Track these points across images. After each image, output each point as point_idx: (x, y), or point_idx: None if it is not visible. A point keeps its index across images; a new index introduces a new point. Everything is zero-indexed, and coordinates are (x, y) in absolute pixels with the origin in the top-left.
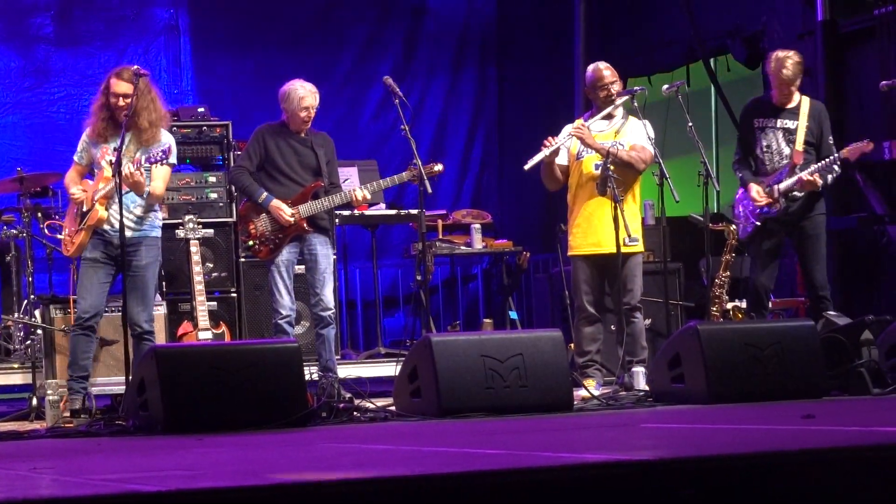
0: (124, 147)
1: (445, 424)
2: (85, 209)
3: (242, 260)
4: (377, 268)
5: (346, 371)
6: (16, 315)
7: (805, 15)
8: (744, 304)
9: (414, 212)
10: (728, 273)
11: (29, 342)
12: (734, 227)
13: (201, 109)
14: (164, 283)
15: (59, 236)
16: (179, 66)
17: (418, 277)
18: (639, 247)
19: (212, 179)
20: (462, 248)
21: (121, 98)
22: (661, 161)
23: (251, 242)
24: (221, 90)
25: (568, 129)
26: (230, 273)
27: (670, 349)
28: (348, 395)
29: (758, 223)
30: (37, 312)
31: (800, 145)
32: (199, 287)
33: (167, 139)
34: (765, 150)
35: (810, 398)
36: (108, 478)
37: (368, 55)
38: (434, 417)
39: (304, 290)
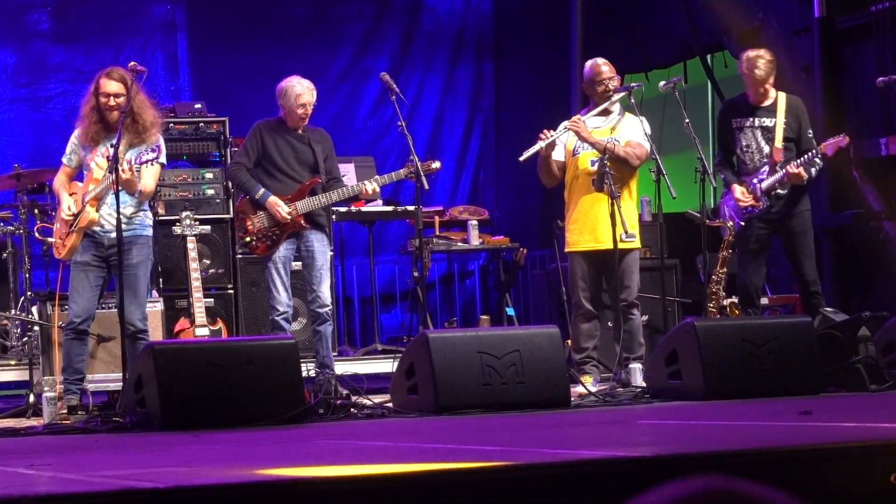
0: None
1: (442, 421)
2: (75, 211)
3: (239, 256)
4: (374, 264)
5: (343, 367)
6: (12, 312)
7: (802, 11)
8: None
9: (411, 208)
10: (725, 269)
11: (26, 339)
12: (730, 223)
13: (198, 106)
14: (160, 280)
15: (49, 240)
16: (176, 63)
17: (415, 274)
18: (636, 243)
19: (208, 176)
20: (459, 244)
21: (111, 98)
22: (657, 157)
23: (248, 239)
24: (218, 86)
25: (566, 123)
26: (227, 269)
27: (667, 345)
28: (345, 392)
29: (742, 223)
30: (34, 309)
31: (779, 143)
32: (195, 283)
33: (157, 138)
34: (744, 149)
35: (807, 394)
36: (106, 474)
37: (365, 51)
38: (431, 414)
39: (301, 287)
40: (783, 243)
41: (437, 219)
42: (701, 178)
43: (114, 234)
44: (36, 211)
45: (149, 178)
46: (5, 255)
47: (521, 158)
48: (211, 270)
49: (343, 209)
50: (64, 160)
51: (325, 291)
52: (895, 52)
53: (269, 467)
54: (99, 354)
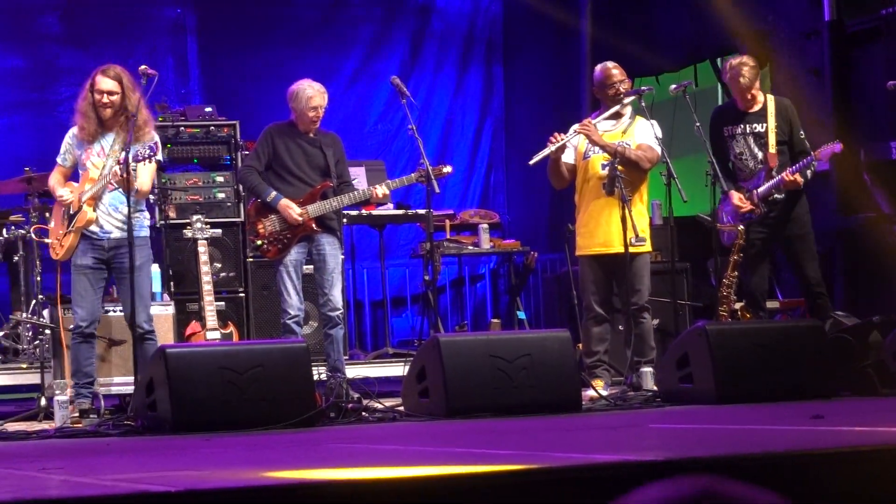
0: (109, 146)
1: (454, 424)
2: (72, 211)
3: (250, 260)
4: (385, 268)
5: (354, 371)
6: (24, 315)
7: (811, 14)
8: None
9: (422, 212)
10: (736, 273)
11: (37, 342)
12: (741, 227)
13: (208, 109)
14: (171, 283)
15: (46, 240)
16: (186, 66)
17: (426, 277)
18: (646, 247)
19: (219, 179)
20: (470, 248)
21: (105, 95)
22: (668, 161)
23: (259, 242)
24: (228, 90)
25: (576, 127)
26: (238, 273)
27: (678, 349)
28: (356, 396)
29: (736, 232)
30: (45, 312)
31: (772, 147)
32: (207, 287)
33: (152, 136)
34: (738, 156)
35: (818, 398)
36: (117, 478)
37: (375, 54)
38: (442, 417)
39: (312, 290)
40: (784, 247)
41: (447, 222)
42: (712, 181)
43: (113, 236)
44: (47, 214)
45: (145, 176)
46: (17, 258)
47: (532, 162)
48: (222, 274)
49: (354, 213)
50: (59, 160)
51: (336, 295)
52: None
53: (281, 471)
54: (110, 358)
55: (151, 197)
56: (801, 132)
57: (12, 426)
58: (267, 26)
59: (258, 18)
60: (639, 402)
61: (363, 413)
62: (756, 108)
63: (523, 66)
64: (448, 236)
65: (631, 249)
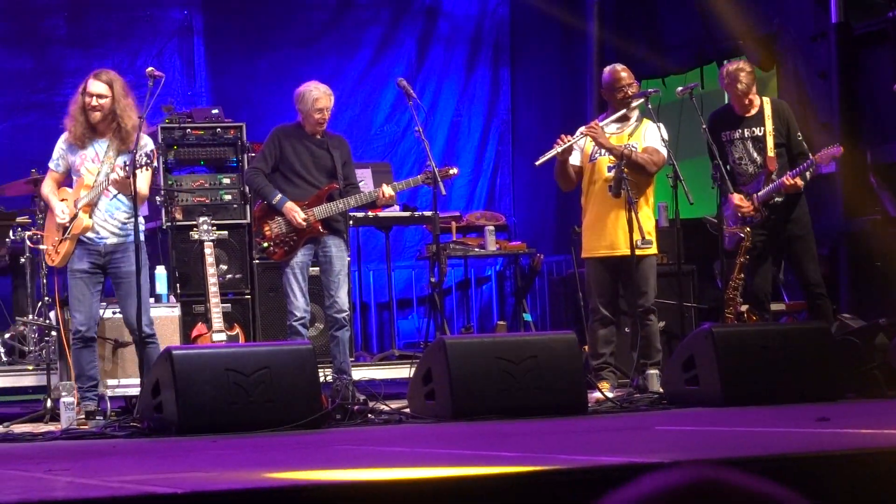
0: (103, 152)
1: (459, 426)
2: (68, 218)
3: (256, 262)
4: (391, 270)
5: (360, 373)
6: (30, 317)
7: (818, 17)
8: None
9: (428, 213)
10: (742, 275)
11: (43, 344)
12: (747, 229)
13: (215, 111)
14: (178, 285)
15: (41, 247)
16: (193, 68)
17: (432, 279)
18: (653, 249)
19: (226, 181)
20: (476, 249)
21: (94, 98)
22: (675, 163)
23: (266, 244)
24: (235, 92)
25: (583, 129)
26: (244, 275)
27: (684, 351)
28: (362, 398)
29: (742, 234)
30: (51, 314)
31: (771, 151)
32: (213, 289)
33: (147, 142)
34: (737, 161)
35: (824, 401)
36: (124, 479)
37: (382, 56)
38: (448, 419)
39: (318, 292)
40: (784, 248)
41: (454, 224)
42: (718, 183)
43: (110, 241)
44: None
45: (142, 183)
46: (23, 259)
47: (538, 162)
48: (228, 276)
49: (360, 214)
50: (51, 166)
51: (342, 297)
52: None
53: (287, 472)
54: (116, 360)
55: (158, 199)
56: (799, 133)
57: (18, 428)
58: (274, 28)
59: (265, 20)
60: (645, 404)
61: (369, 415)
62: (753, 111)
63: (530, 68)
64: (454, 238)
65: (637, 252)
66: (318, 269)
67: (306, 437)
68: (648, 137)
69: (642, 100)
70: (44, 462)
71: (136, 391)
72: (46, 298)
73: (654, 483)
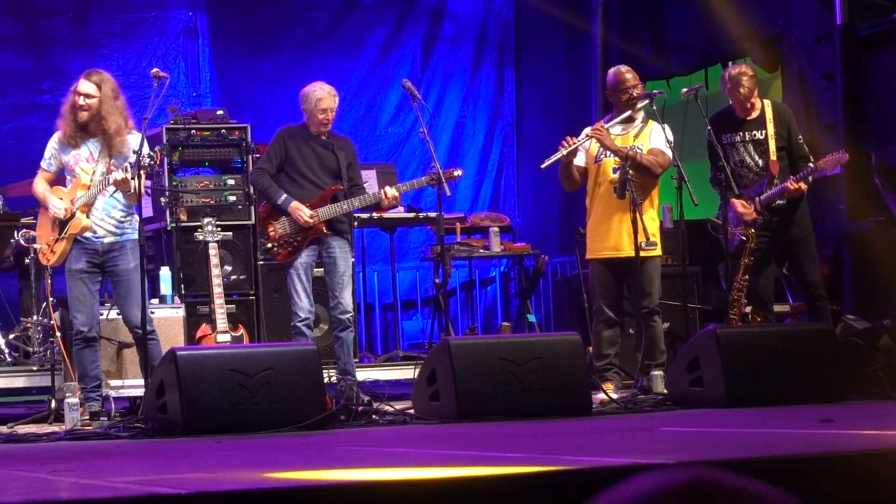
0: (98, 152)
1: (464, 428)
2: (64, 218)
3: (261, 262)
4: (395, 271)
5: (364, 374)
6: (35, 317)
7: (822, 18)
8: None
9: (432, 214)
10: (747, 277)
11: (47, 345)
12: (752, 230)
13: (220, 112)
14: (182, 286)
15: (35, 246)
16: (198, 69)
17: (437, 280)
18: (657, 250)
19: (230, 182)
20: (480, 251)
21: (82, 97)
22: (679, 165)
23: (270, 245)
24: (240, 93)
25: (588, 130)
26: (249, 275)
27: (689, 353)
28: (367, 398)
29: (744, 237)
30: (56, 315)
31: (773, 154)
32: (217, 290)
33: (132, 144)
34: (739, 164)
35: (828, 402)
36: (128, 480)
37: (386, 58)
38: (452, 420)
39: (322, 293)
40: (786, 250)
41: (458, 225)
42: (723, 185)
43: (107, 240)
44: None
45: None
46: (28, 260)
47: (544, 165)
48: (233, 276)
49: (364, 216)
50: (44, 165)
51: (346, 298)
52: None
53: (291, 473)
54: (120, 360)
55: (162, 200)
56: (800, 136)
57: (23, 428)
58: (279, 29)
59: (270, 21)
60: (649, 405)
61: (373, 416)
62: (754, 114)
63: (535, 69)
64: (459, 239)
65: (641, 253)
66: (322, 270)
67: (310, 437)
68: (653, 139)
69: (647, 101)
70: (48, 463)
71: (140, 392)
72: (51, 299)
73: (646, 483)
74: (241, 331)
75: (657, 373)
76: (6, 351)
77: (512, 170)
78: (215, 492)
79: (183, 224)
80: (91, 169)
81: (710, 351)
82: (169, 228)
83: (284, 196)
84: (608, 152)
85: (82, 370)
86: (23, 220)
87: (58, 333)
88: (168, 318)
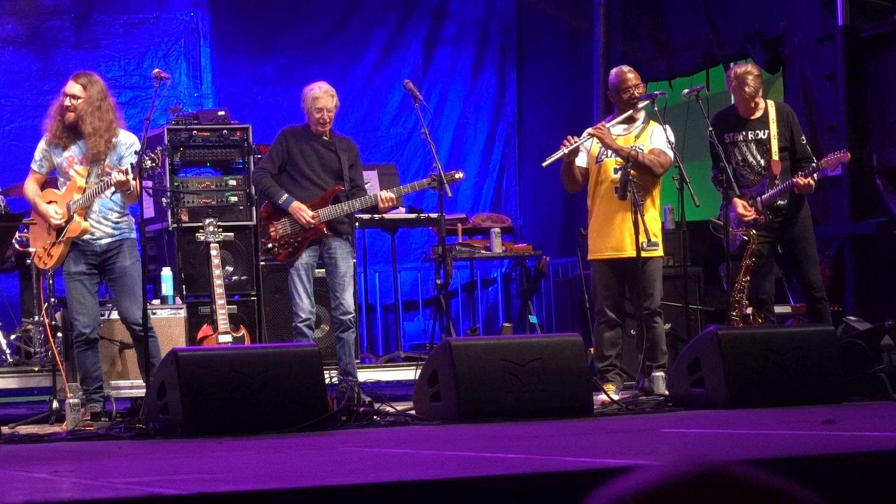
0: (79, 157)
1: (465, 428)
2: (62, 220)
3: (262, 263)
4: (397, 271)
5: (365, 375)
6: (36, 318)
7: (825, 19)
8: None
9: (434, 215)
10: (748, 278)
11: (49, 345)
12: (754, 231)
13: (221, 113)
14: (183, 287)
15: (30, 250)
16: (199, 70)
17: (438, 281)
18: (659, 251)
19: (232, 183)
20: (482, 251)
21: (68, 97)
22: (681, 165)
23: (271, 245)
24: (241, 94)
25: (590, 130)
26: (250, 276)
27: (690, 354)
28: (368, 399)
29: (745, 237)
30: (57, 315)
31: (775, 154)
32: (219, 290)
33: (134, 140)
34: (740, 163)
35: (830, 403)
36: (129, 481)
37: (388, 59)
38: (454, 421)
39: (324, 294)
40: (786, 251)
41: (459, 226)
42: (725, 186)
43: (104, 241)
44: None
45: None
46: (29, 261)
47: (545, 164)
48: (234, 277)
49: (366, 216)
50: (34, 167)
51: (348, 299)
52: None
53: (292, 475)
54: (122, 361)
55: (164, 200)
56: (803, 137)
57: (24, 429)
58: (280, 30)
59: (272, 22)
60: (650, 406)
61: (374, 417)
62: (758, 114)
63: (536, 70)
64: (460, 240)
65: (643, 254)
66: (324, 270)
67: (312, 438)
68: (655, 139)
69: (648, 102)
70: (49, 463)
71: (141, 392)
72: (53, 300)
73: (654, 474)
74: (243, 331)
75: (658, 374)
76: (7, 351)
77: (513, 170)
78: (216, 493)
79: (184, 225)
80: (85, 171)
81: (711, 352)
82: (170, 229)
83: (285, 196)
84: (609, 152)
85: (84, 371)
86: (25, 221)
87: (58, 334)
88: (169, 319)
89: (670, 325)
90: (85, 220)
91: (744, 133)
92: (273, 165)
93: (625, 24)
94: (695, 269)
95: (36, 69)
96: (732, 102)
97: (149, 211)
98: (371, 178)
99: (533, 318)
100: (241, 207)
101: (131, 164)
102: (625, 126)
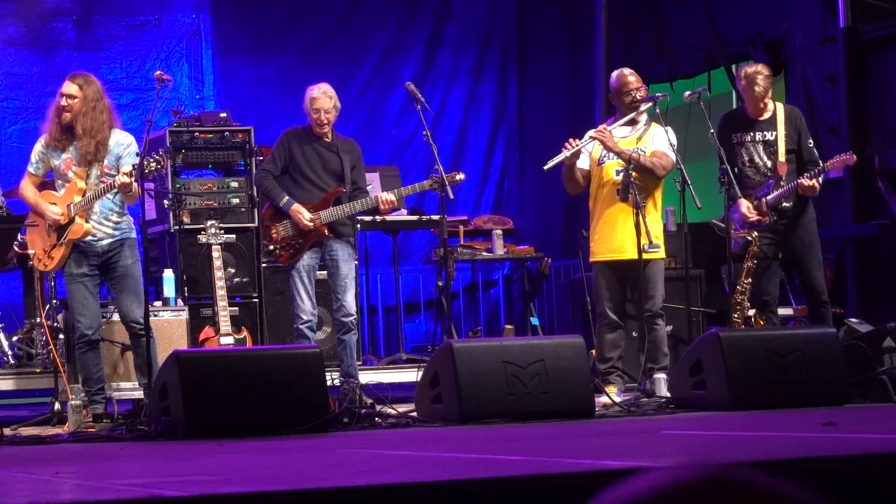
0: (76, 158)
1: (467, 430)
2: (62, 223)
3: (264, 265)
4: (398, 273)
5: (367, 377)
6: (38, 320)
7: (826, 21)
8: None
9: (435, 217)
10: (750, 280)
11: (50, 347)
12: (755, 233)
13: (223, 115)
14: (185, 289)
15: (30, 252)
16: (201, 72)
17: (440, 283)
18: (660, 253)
19: (234, 185)
20: (483, 253)
21: (65, 97)
22: (682, 167)
23: (272, 247)
24: (243, 96)
25: (591, 132)
26: (252, 278)
27: (692, 356)
28: (370, 401)
29: (748, 237)
30: (59, 317)
31: (782, 156)
32: (220, 292)
33: (131, 140)
34: (747, 164)
35: (832, 405)
36: (131, 482)
37: (390, 61)
38: (455, 423)
39: (326, 296)
40: (791, 254)
41: (461, 228)
42: (726, 188)
43: (105, 242)
44: None
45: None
46: (31, 262)
47: (546, 167)
48: (236, 279)
49: (368, 218)
50: (31, 169)
51: (349, 300)
52: None
53: (294, 476)
54: (123, 363)
55: (166, 202)
56: (810, 141)
57: (26, 431)
58: (282, 32)
59: (273, 24)
60: (652, 408)
61: (376, 419)
62: (766, 115)
63: (538, 72)
64: (462, 242)
65: (645, 256)
66: (325, 272)
67: (313, 440)
68: (657, 141)
69: (650, 104)
70: (51, 465)
71: (142, 392)
72: (55, 302)
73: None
74: (245, 333)
75: (660, 376)
76: (9, 353)
77: (515, 172)
78: (218, 494)
79: (186, 226)
80: (84, 173)
81: (713, 354)
82: (172, 231)
83: (286, 198)
84: (611, 155)
85: (86, 373)
86: (26, 222)
87: (60, 336)
88: (171, 321)
89: (672, 326)
90: (87, 222)
91: (751, 134)
92: (275, 167)
93: (626, 25)
94: (696, 270)
95: (38, 71)
96: (733, 104)
97: (150, 213)
98: (373, 180)
99: (534, 320)
100: (242, 209)
101: (133, 165)
102: (627, 128)
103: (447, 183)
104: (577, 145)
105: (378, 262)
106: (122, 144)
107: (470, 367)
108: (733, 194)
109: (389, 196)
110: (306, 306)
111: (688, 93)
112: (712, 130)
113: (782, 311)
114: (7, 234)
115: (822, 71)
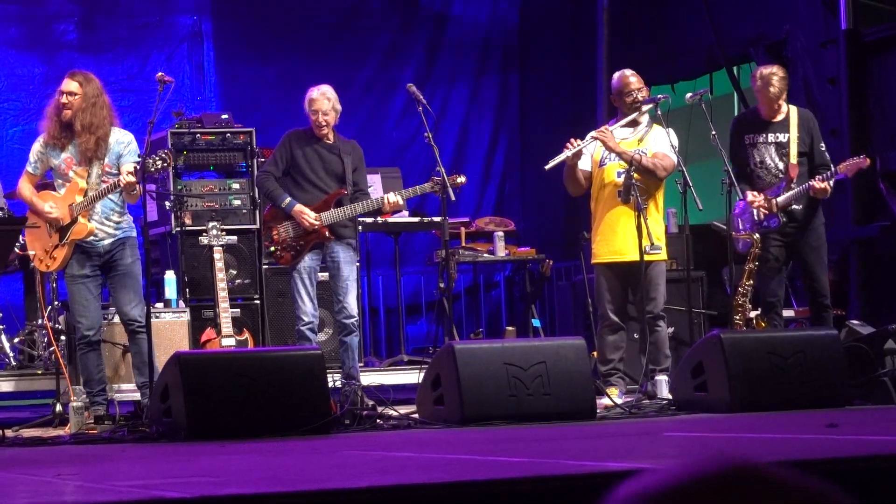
0: (77, 158)
1: (468, 432)
2: (63, 223)
3: (266, 266)
4: (400, 275)
5: (369, 378)
6: (39, 321)
7: (828, 23)
8: None
9: (437, 219)
10: (751, 282)
11: (52, 348)
12: (756, 235)
13: (225, 116)
14: (187, 290)
15: (30, 253)
16: (203, 73)
17: (441, 285)
18: (662, 255)
19: (235, 186)
20: (485, 255)
21: (65, 95)
22: (684, 169)
23: (273, 248)
24: (245, 97)
25: (593, 133)
26: (254, 280)
27: (693, 358)
28: (371, 403)
29: (757, 236)
30: (61, 318)
31: (794, 158)
32: (222, 294)
33: (131, 139)
34: (758, 165)
35: (833, 407)
36: (132, 484)
37: (391, 62)
38: (457, 425)
39: (327, 297)
40: (799, 257)
41: (463, 230)
42: (727, 189)
43: (107, 242)
44: None
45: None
46: (32, 264)
47: (548, 166)
48: (237, 281)
49: (369, 220)
50: (29, 168)
51: (351, 302)
52: None
53: (295, 478)
54: (124, 365)
55: (168, 204)
56: (822, 144)
57: (28, 432)
58: (284, 34)
59: (275, 26)
60: (653, 410)
61: (378, 420)
62: (780, 117)
63: (539, 74)
64: (463, 244)
65: (646, 257)
66: (327, 274)
67: (315, 442)
68: (658, 143)
69: (651, 105)
70: (53, 466)
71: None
72: (56, 303)
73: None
74: (246, 335)
75: (662, 378)
76: (11, 354)
77: (516, 174)
78: (220, 496)
79: (188, 228)
80: (85, 172)
81: (714, 356)
82: (174, 232)
83: (288, 199)
84: (613, 156)
85: (87, 374)
86: (27, 224)
87: (62, 337)
88: (172, 323)
89: (673, 328)
90: (90, 221)
91: (764, 135)
92: (277, 168)
93: (628, 27)
94: (698, 272)
95: (39, 73)
96: (735, 105)
97: (152, 214)
98: (374, 182)
99: (536, 322)
100: (244, 211)
101: (136, 164)
102: (628, 129)
103: (448, 185)
104: (578, 146)
105: (380, 264)
106: (123, 143)
107: (471, 369)
108: (739, 188)
109: (396, 198)
110: (307, 308)
111: (689, 94)
112: (714, 133)
113: (784, 312)
114: (8, 236)
115: (823, 73)
